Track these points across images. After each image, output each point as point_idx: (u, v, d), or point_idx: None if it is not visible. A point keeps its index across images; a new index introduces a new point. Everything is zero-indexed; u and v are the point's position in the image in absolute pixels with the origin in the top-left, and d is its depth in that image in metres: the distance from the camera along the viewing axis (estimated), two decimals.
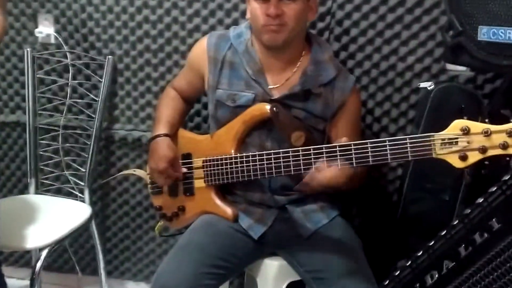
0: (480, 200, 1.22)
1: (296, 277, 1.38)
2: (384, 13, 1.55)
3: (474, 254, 1.23)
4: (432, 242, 1.27)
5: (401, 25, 1.55)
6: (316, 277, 1.29)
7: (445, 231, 1.25)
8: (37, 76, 1.82)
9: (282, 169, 1.27)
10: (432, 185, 1.44)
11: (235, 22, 1.64)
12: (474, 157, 1.05)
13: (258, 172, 1.30)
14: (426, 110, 1.45)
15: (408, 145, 1.11)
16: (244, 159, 1.32)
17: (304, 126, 1.34)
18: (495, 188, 1.20)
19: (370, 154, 1.15)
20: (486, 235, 1.22)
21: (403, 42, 1.56)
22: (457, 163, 1.07)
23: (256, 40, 1.37)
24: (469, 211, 1.23)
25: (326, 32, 1.61)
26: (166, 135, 1.44)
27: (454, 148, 1.07)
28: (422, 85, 1.49)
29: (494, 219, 1.20)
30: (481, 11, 1.16)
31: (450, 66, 1.53)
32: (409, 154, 1.11)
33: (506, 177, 1.18)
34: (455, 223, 1.25)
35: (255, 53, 1.37)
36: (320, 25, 1.60)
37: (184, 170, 1.42)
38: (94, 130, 1.78)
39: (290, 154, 1.26)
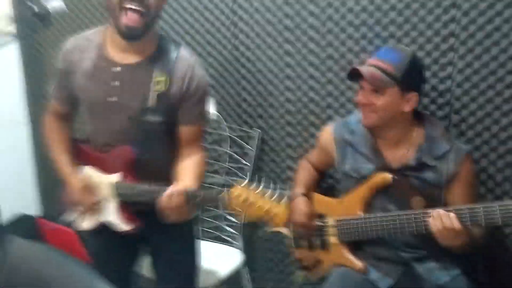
0: None
1: None
2: (501, 90, 1.70)
3: None
4: None
5: None
6: None
7: None
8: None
9: (406, 229, 1.50)
10: None
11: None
12: None
13: (385, 231, 1.54)
14: None
15: None
16: (372, 219, 1.58)
17: (422, 192, 1.55)
18: None
19: (483, 216, 1.34)
20: None
21: None
22: None
23: None
24: None
25: (446, 107, 1.80)
26: (302, 194, 1.77)
27: None
28: None
29: None
30: None
31: None
32: None
33: None
34: None
35: (368, 133, 1.64)
36: (440, 100, 1.81)
37: (319, 223, 1.71)
38: None
39: (412, 215, 1.49)
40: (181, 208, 1.42)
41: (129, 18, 1.38)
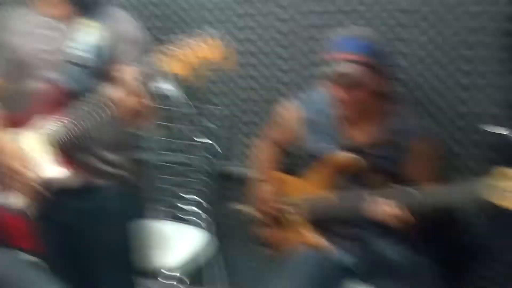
0: None
1: None
2: None
3: None
4: None
5: None
6: None
7: None
8: None
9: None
10: None
11: None
12: None
13: (345, 211, 1.60)
14: None
15: None
16: (334, 199, 1.62)
17: (384, 171, 1.59)
18: None
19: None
20: None
21: None
22: None
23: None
24: None
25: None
26: (265, 177, 1.80)
27: None
28: None
29: None
30: None
31: None
32: None
33: None
34: None
35: (333, 113, 1.64)
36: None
37: (283, 203, 1.74)
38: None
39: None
40: None
41: None
